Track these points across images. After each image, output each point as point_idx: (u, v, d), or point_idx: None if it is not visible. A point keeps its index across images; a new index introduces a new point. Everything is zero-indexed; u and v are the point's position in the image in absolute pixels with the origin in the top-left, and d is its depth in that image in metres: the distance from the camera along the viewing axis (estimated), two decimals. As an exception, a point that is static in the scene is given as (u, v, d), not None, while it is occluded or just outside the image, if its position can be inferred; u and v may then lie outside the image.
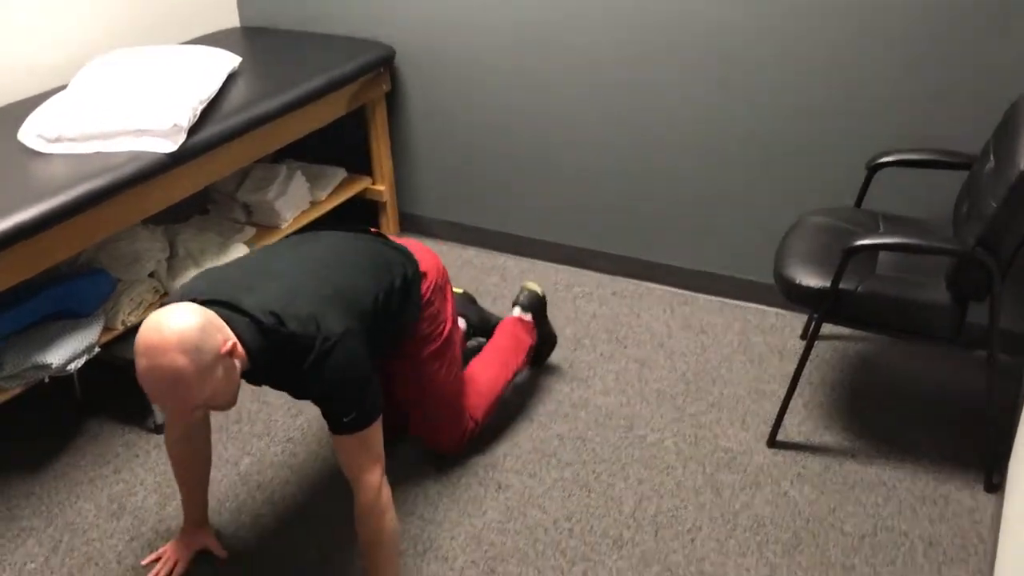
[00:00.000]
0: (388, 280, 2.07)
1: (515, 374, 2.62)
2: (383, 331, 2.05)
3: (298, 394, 1.93)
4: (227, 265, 1.99)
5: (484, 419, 2.50)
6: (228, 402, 1.79)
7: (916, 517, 2.29)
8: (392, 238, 2.26)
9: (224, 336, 1.74)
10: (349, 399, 1.86)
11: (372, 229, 2.26)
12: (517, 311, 2.74)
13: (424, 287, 2.22)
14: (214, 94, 2.70)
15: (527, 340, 2.70)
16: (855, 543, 2.22)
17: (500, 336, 2.67)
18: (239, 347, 1.77)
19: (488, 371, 2.54)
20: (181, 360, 1.65)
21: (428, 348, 2.27)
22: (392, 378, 2.35)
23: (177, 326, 1.66)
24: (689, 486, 2.41)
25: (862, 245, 2.24)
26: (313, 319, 1.83)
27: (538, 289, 2.78)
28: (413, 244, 2.30)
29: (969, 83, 2.59)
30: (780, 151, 2.91)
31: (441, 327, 2.29)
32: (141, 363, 1.66)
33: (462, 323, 2.77)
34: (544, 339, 2.81)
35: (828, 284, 2.31)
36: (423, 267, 2.23)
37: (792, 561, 2.18)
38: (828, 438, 2.56)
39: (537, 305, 2.76)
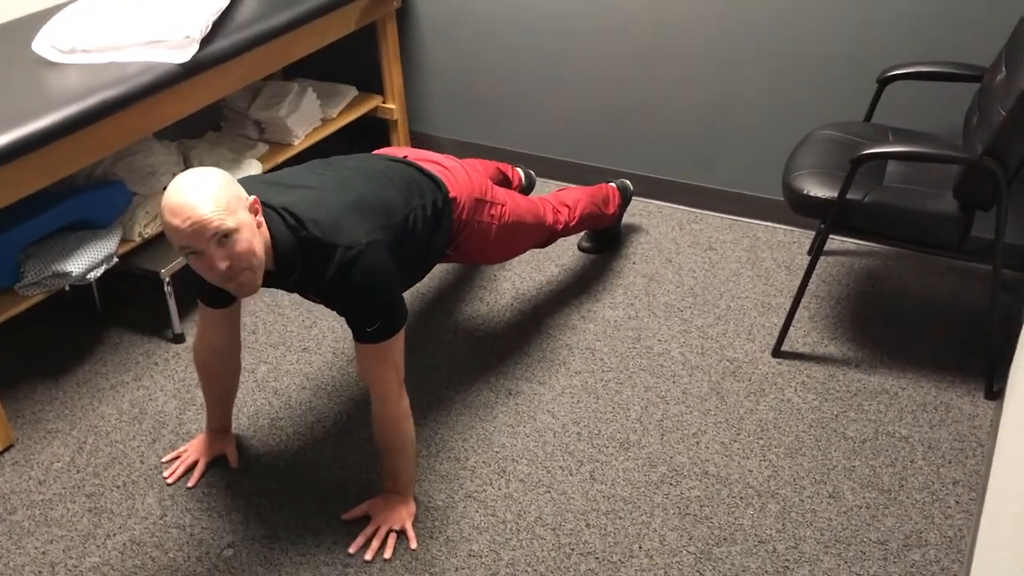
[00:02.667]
0: (418, 202, 2.07)
1: (602, 215, 2.86)
2: (412, 251, 2.06)
3: (324, 303, 1.96)
4: (257, 175, 2.02)
5: (577, 222, 2.71)
6: (252, 257, 1.75)
7: (917, 423, 2.35)
8: (422, 159, 2.24)
9: (248, 196, 1.79)
10: (372, 309, 1.89)
11: (404, 154, 2.26)
12: (612, 184, 3.02)
13: (456, 212, 2.21)
14: (225, 6, 2.71)
15: (613, 206, 2.95)
16: (856, 446, 2.28)
17: (597, 186, 2.93)
18: (261, 217, 1.81)
19: (585, 193, 2.80)
20: (213, 181, 1.71)
21: (484, 241, 2.34)
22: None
23: (198, 173, 1.73)
24: (695, 393, 2.47)
25: (869, 154, 2.25)
26: (337, 228, 1.84)
27: (630, 185, 3.11)
28: (445, 163, 2.27)
29: (983, -6, 2.57)
30: (790, 66, 2.90)
31: (490, 225, 2.33)
32: (170, 202, 1.69)
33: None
34: (617, 225, 3.08)
35: (835, 194, 2.33)
36: (453, 192, 2.19)
37: (794, 463, 2.25)
38: (832, 349, 2.60)
39: (627, 192, 3.07)
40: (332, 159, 2.15)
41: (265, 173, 2.05)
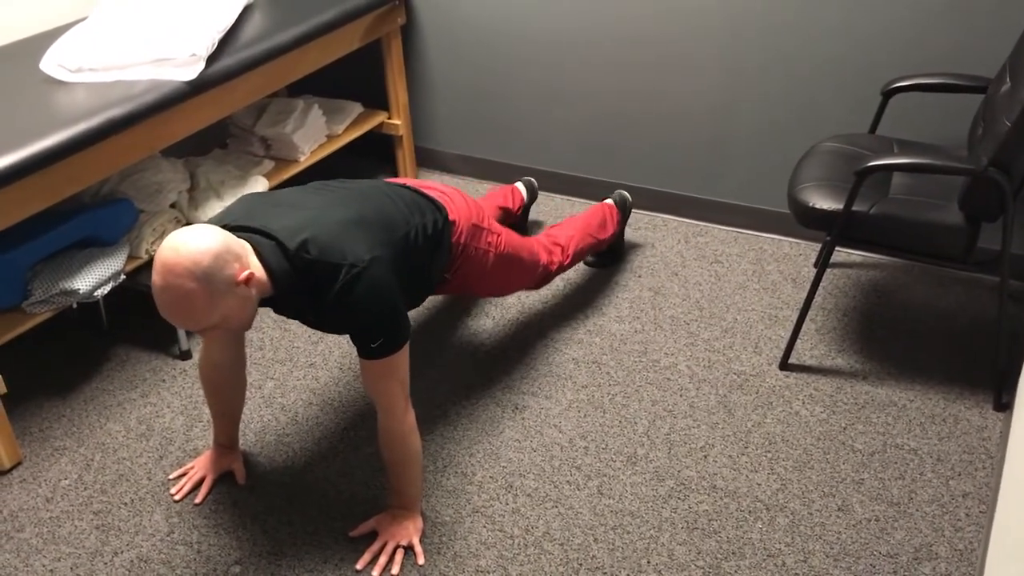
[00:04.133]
0: (419, 221, 2.09)
1: (598, 243, 2.85)
2: (413, 269, 2.07)
3: (326, 326, 1.97)
4: (265, 193, 2.02)
5: (571, 258, 2.71)
6: (242, 326, 1.84)
7: (925, 435, 2.34)
8: (422, 186, 2.27)
9: (242, 265, 1.76)
10: (377, 325, 1.89)
11: (404, 181, 2.28)
12: (609, 200, 3.03)
13: (455, 236, 2.22)
14: (231, 25, 2.72)
15: (611, 227, 2.94)
16: (865, 459, 2.27)
17: (593, 210, 2.93)
18: (257, 275, 1.79)
19: (579, 225, 2.80)
20: (191, 284, 1.68)
21: (481, 269, 2.35)
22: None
23: (191, 251, 1.69)
24: (702, 407, 2.46)
25: (875, 166, 2.26)
26: (339, 246, 1.84)
27: (628, 196, 3.10)
28: (445, 190, 2.30)
29: (985, 5, 2.57)
30: (794, 79, 2.91)
31: (486, 253, 2.34)
32: (155, 279, 1.71)
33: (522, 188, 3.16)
34: (619, 241, 3.07)
35: (841, 206, 2.33)
36: (452, 215, 2.22)
37: (803, 476, 2.24)
38: (840, 361, 2.59)
39: (625, 206, 3.06)
40: (333, 181, 2.16)
41: (269, 191, 2.05)
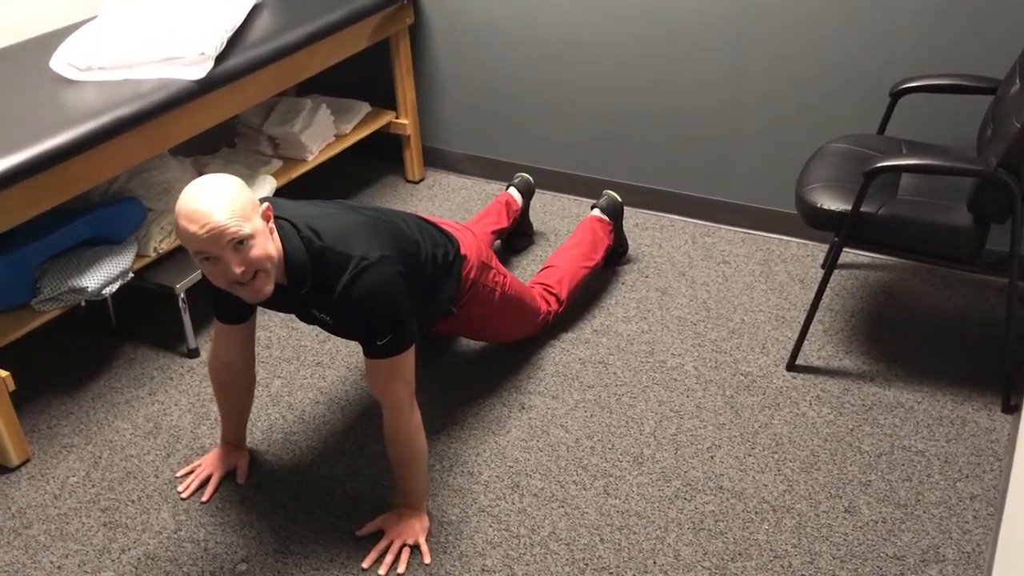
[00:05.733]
0: (431, 248, 2.12)
1: (592, 270, 2.81)
2: (423, 287, 2.09)
3: (333, 322, 1.97)
4: (271, 198, 2.04)
5: (567, 301, 2.71)
6: (267, 261, 1.78)
7: (933, 436, 2.33)
8: (435, 220, 2.30)
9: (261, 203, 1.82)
10: (383, 322, 1.89)
11: (417, 214, 2.33)
12: (596, 212, 2.96)
13: (465, 269, 2.27)
14: (240, 24, 2.73)
15: (605, 240, 2.90)
16: (872, 461, 2.27)
17: (581, 232, 2.86)
18: (273, 224, 1.83)
19: (567, 262, 2.76)
20: (227, 187, 1.74)
21: (487, 307, 2.39)
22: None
23: (221, 175, 1.77)
24: (709, 407, 2.46)
25: (883, 167, 2.25)
26: (351, 240, 1.88)
27: (617, 196, 3.01)
28: (457, 226, 2.36)
29: (994, 6, 2.56)
30: (803, 80, 2.90)
31: (493, 291, 2.38)
32: (185, 208, 1.71)
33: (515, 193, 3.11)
34: (620, 243, 3.02)
35: (849, 207, 2.32)
36: (464, 250, 2.27)
37: (809, 477, 2.23)
38: (847, 362, 2.59)
39: (615, 209, 2.99)
40: (344, 202, 2.21)
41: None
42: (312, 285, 1.89)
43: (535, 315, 2.59)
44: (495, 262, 2.43)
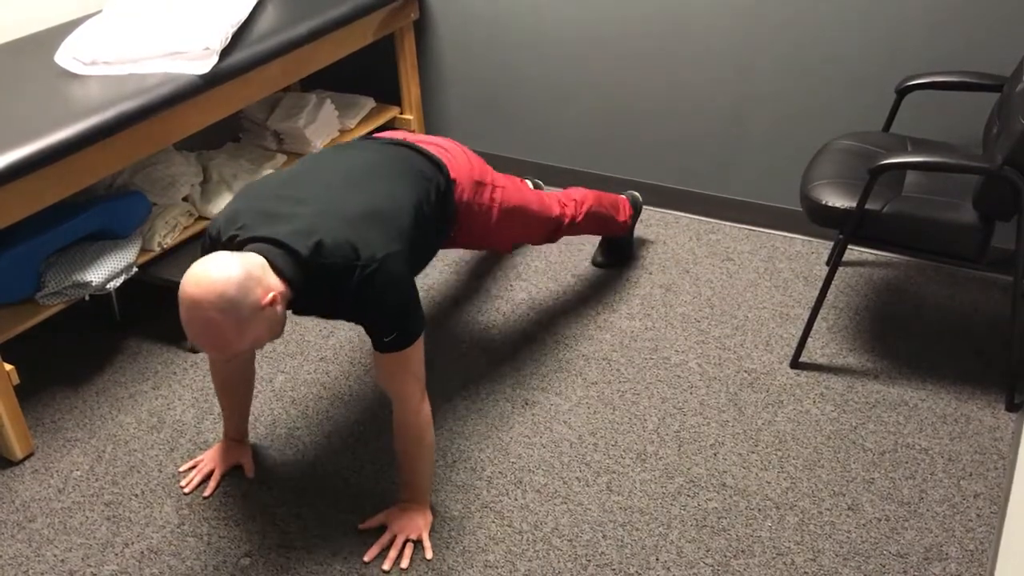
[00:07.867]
0: (424, 190, 2.05)
1: (604, 222, 2.82)
2: (423, 242, 2.05)
3: (341, 316, 1.96)
4: (265, 181, 1.97)
5: (583, 219, 2.69)
6: (274, 339, 1.83)
7: (937, 434, 2.33)
8: (421, 141, 2.22)
9: (264, 288, 1.73)
10: (391, 320, 1.88)
11: (403, 136, 2.24)
12: (623, 196, 3.01)
13: (457, 194, 2.20)
14: (244, 19, 2.73)
15: (624, 215, 2.93)
16: (875, 458, 2.27)
17: (604, 192, 2.89)
18: (280, 294, 1.77)
19: (588, 193, 2.76)
20: (218, 316, 1.67)
21: (485, 225, 2.34)
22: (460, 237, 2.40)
23: (215, 282, 1.66)
24: (712, 404, 2.46)
25: (889, 164, 2.24)
26: (351, 245, 1.81)
27: (639, 197, 3.11)
28: (445, 145, 2.27)
29: (1001, 3, 2.55)
30: (808, 76, 2.89)
31: (490, 208, 2.32)
32: (183, 312, 1.70)
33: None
34: (629, 240, 3.06)
35: (854, 204, 2.32)
36: (453, 174, 2.19)
37: (813, 475, 2.23)
38: (851, 360, 2.58)
39: (637, 205, 3.07)
40: (328, 152, 2.10)
41: (270, 175, 2.01)
42: (319, 298, 1.88)
43: (544, 220, 2.55)
44: (491, 176, 2.34)
